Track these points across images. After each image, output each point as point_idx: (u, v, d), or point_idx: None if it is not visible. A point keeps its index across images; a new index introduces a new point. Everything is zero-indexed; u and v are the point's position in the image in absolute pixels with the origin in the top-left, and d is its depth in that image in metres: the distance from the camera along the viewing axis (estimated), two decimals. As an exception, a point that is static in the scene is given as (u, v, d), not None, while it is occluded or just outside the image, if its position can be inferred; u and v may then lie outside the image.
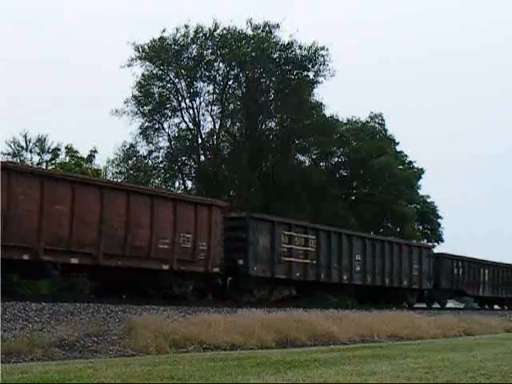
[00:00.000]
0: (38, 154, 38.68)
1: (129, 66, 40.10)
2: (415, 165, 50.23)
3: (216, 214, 20.44)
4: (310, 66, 41.15)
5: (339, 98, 65.15)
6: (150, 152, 41.44)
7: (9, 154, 38.81)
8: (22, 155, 38.90)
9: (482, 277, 36.75)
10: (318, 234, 24.80)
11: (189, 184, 42.59)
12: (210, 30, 40.60)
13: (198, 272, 20.13)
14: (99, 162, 39.82)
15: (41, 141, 38.74)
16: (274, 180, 40.12)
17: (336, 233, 26.16)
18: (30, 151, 38.98)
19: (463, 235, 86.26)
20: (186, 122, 41.36)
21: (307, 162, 44.61)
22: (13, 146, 38.85)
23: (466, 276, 34.98)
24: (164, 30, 40.37)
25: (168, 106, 41.57)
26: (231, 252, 21.38)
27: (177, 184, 42.56)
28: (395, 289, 29.36)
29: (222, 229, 20.72)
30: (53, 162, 37.24)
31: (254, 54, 39.97)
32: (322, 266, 24.83)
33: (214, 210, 20.35)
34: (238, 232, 21.66)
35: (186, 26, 40.47)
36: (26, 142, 38.96)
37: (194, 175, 42.14)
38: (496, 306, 40.89)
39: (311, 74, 41.69)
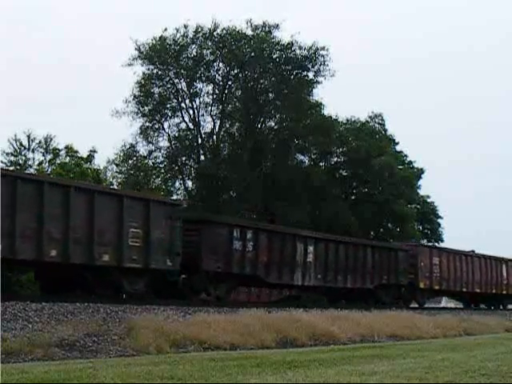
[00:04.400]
0: (43, 154, 38.84)
1: (129, 65, 40.11)
2: (415, 165, 50.27)
3: None
4: (309, 66, 41.14)
5: (339, 97, 65.32)
6: (150, 152, 41.45)
7: (11, 153, 38.99)
8: (24, 155, 39.06)
9: (302, 257, 23.99)
10: None
11: (189, 184, 42.62)
12: (209, 30, 40.62)
13: None
14: (99, 161, 39.92)
15: (47, 141, 38.94)
16: (274, 180, 40.09)
17: None
18: (33, 151, 39.12)
19: (463, 235, 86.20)
20: (185, 122, 41.37)
21: (307, 161, 44.63)
22: (15, 145, 39.01)
23: (264, 254, 22.41)
24: (166, 29, 40.39)
25: (168, 105, 41.56)
26: None
27: (177, 184, 42.60)
28: (81, 266, 17.74)
29: None
30: (53, 162, 37.31)
31: (253, 54, 39.96)
32: None
33: None
34: None
35: (186, 26, 40.50)
36: (28, 142, 39.11)
37: (194, 175, 42.11)
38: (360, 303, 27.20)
39: (311, 74, 41.70)
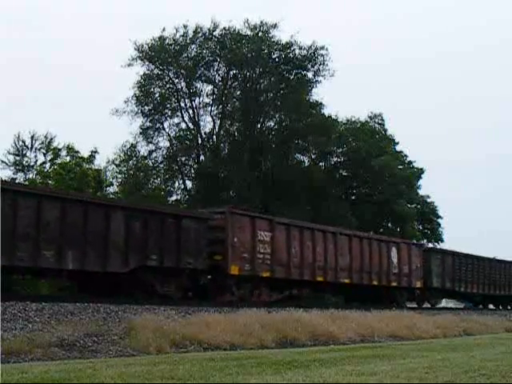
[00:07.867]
0: (44, 154, 38.90)
1: (129, 65, 40.15)
2: (415, 165, 50.23)
3: None
4: (309, 66, 41.16)
5: (339, 97, 65.34)
6: (150, 152, 41.48)
7: (14, 153, 39.05)
8: (25, 154, 39.14)
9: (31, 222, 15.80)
10: None
11: (189, 184, 42.63)
12: (209, 30, 40.67)
13: None
14: (99, 161, 39.92)
15: (47, 140, 39.03)
16: (274, 180, 40.09)
17: None
18: (35, 151, 39.19)
19: (464, 235, 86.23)
20: (185, 122, 41.45)
21: (307, 161, 44.64)
22: (18, 145, 39.11)
23: None
24: (164, 29, 40.47)
25: (168, 105, 41.58)
26: None
27: (177, 184, 42.60)
28: None
29: None
30: (53, 162, 37.31)
31: (253, 54, 39.96)
32: None
33: None
34: None
35: (185, 26, 40.58)
36: (31, 142, 39.20)
37: (194, 175, 42.12)
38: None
39: (310, 74, 41.75)
